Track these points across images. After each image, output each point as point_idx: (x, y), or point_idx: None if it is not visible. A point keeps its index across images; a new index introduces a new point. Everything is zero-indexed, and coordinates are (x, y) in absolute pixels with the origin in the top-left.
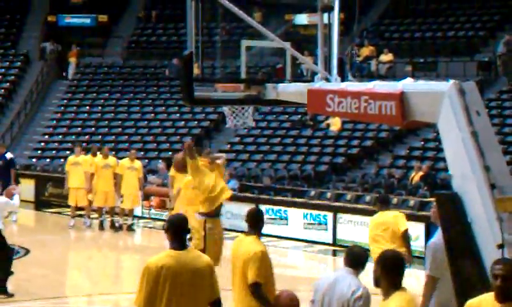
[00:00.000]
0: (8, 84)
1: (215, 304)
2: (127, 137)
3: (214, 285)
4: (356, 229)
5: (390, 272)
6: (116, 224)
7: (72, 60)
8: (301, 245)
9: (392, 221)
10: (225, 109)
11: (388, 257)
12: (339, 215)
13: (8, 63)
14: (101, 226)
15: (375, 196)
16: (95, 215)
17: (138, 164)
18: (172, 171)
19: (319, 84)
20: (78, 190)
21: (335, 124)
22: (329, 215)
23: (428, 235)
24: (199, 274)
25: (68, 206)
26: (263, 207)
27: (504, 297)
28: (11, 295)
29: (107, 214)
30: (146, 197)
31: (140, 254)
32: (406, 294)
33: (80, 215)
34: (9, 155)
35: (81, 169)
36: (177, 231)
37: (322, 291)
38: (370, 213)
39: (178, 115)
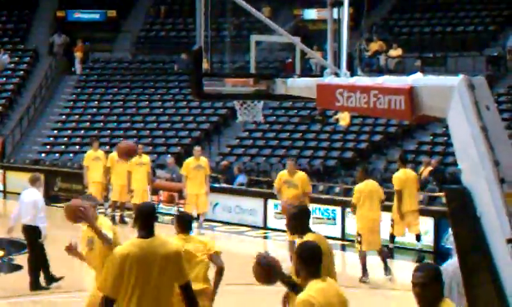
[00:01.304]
0: (17, 79)
1: (185, 287)
2: (135, 132)
3: (182, 270)
4: None
5: (308, 262)
6: (126, 219)
7: (78, 55)
8: None
9: (377, 189)
10: (235, 103)
11: (306, 248)
12: (348, 209)
13: (17, 58)
14: (113, 221)
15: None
16: (102, 210)
17: (146, 158)
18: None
19: (328, 79)
20: (98, 185)
21: (343, 119)
22: (338, 209)
23: (437, 230)
24: (165, 260)
25: None
26: (271, 202)
27: (425, 304)
28: (61, 277)
29: (118, 209)
30: (155, 191)
31: None
32: (319, 283)
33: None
34: None
35: (101, 164)
36: (146, 219)
37: (449, 276)
38: None
39: (186, 110)
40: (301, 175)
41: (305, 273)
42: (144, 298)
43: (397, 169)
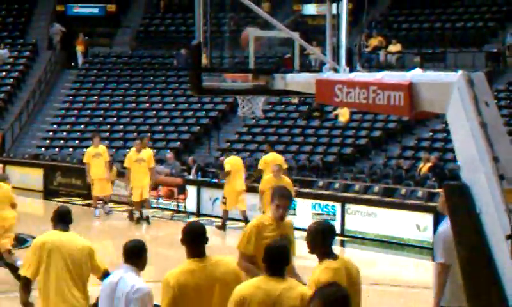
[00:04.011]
0: (16, 73)
1: None
2: (135, 127)
3: None
4: (364, 219)
5: (191, 242)
6: (144, 216)
7: (79, 49)
8: None
9: (281, 159)
10: (237, 98)
11: (191, 229)
12: (347, 205)
13: (16, 53)
14: (137, 219)
15: (382, 186)
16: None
17: (147, 153)
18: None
19: (327, 74)
20: (101, 181)
21: (343, 115)
22: (338, 205)
23: (436, 225)
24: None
25: (78, 196)
26: None
27: (310, 249)
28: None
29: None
30: (155, 187)
31: (149, 244)
32: (190, 264)
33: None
34: None
35: (102, 160)
36: (275, 261)
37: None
38: (378, 203)
39: (186, 105)
40: (148, 152)
41: (187, 252)
42: None
43: (266, 152)
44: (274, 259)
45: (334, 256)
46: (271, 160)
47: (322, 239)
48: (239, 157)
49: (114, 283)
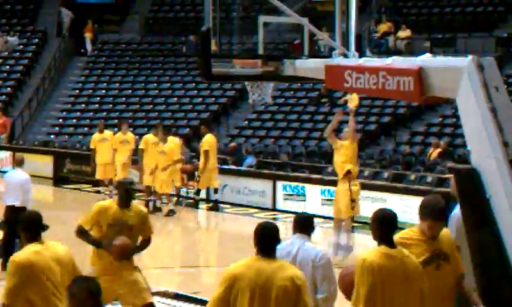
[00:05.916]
0: (26, 60)
1: None
2: (144, 113)
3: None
4: (374, 205)
5: (26, 228)
6: (157, 205)
7: (88, 35)
8: (319, 221)
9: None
10: (247, 84)
11: (27, 218)
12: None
13: (25, 40)
14: (147, 206)
15: (391, 172)
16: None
17: (169, 145)
18: None
19: (336, 60)
20: (125, 166)
21: (352, 100)
22: None
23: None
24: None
25: (88, 183)
26: (280, 184)
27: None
28: None
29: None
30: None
31: (159, 232)
32: (35, 246)
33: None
34: None
35: (129, 147)
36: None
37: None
38: (388, 189)
39: (195, 92)
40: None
41: (23, 238)
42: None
43: (203, 135)
44: (265, 239)
45: (392, 246)
46: (214, 141)
47: (377, 227)
48: (177, 138)
49: (293, 252)
